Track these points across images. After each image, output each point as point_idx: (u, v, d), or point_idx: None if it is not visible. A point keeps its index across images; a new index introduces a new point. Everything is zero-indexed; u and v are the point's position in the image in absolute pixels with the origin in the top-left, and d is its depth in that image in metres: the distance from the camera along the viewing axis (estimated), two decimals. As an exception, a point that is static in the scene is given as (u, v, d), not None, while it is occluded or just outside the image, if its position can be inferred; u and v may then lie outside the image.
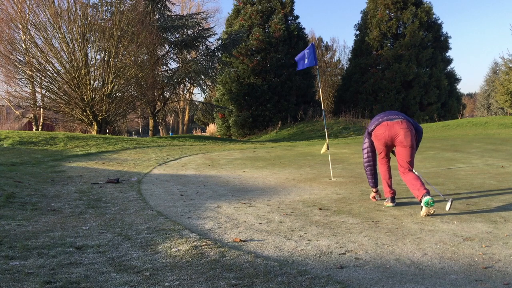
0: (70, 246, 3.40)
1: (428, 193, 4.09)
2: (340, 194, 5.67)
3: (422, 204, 4.10)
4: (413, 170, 4.48)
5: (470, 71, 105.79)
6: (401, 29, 29.75)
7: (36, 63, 18.29)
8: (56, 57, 18.06)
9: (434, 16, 29.69)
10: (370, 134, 4.77)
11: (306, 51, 7.35)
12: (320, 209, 4.72)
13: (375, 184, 5.03)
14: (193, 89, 31.96)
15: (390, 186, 4.83)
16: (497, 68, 45.59)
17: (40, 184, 6.74)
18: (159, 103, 25.53)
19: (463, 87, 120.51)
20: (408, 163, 4.45)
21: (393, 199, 4.81)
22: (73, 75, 17.86)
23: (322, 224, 4.04)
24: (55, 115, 24.55)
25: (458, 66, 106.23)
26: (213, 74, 25.80)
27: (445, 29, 39.67)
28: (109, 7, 20.04)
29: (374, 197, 5.14)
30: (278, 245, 3.41)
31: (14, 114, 31.10)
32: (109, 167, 8.98)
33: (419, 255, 3.07)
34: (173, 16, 25.49)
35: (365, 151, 4.93)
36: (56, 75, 18.48)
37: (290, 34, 28.98)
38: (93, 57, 19.02)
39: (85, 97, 18.12)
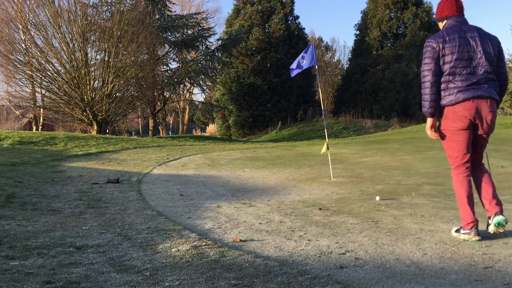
0: (70, 246, 3.39)
1: (501, 211, 3.31)
2: (340, 194, 5.67)
3: (492, 222, 3.29)
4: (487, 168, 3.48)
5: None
6: (401, 29, 29.75)
7: (36, 63, 18.30)
8: (56, 57, 18.07)
9: (434, 16, 29.70)
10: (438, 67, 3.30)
11: (301, 55, 7.35)
12: (320, 209, 4.72)
13: (432, 105, 3.33)
14: (193, 89, 32.04)
15: (473, 213, 3.36)
16: (497, 68, 45.57)
17: (40, 184, 6.74)
18: (159, 103, 25.55)
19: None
20: (481, 156, 3.50)
21: (477, 229, 3.33)
22: (73, 75, 17.86)
23: (322, 224, 4.04)
24: (55, 115, 24.57)
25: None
26: (213, 74, 25.82)
27: (445, 29, 39.68)
28: (109, 7, 20.05)
29: (434, 130, 3.42)
30: (278, 245, 3.41)
31: (14, 114, 31.10)
32: (109, 167, 8.98)
33: (419, 255, 3.06)
34: (173, 16, 25.50)
35: (428, 59, 3.32)
36: (56, 75, 18.49)
37: (290, 34, 28.98)
38: (93, 57, 19.06)
39: (85, 97, 18.12)
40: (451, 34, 3.28)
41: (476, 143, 3.41)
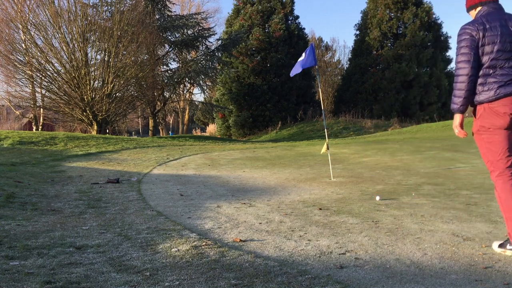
0: (70, 246, 3.40)
1: None
2: (340, 194, 5.67)
3: None
4: None
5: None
6: (401, 29, 29.73)
7: (36, 63, 18.31)
8: (56, 57, 18.08)
9: (434, 16, 29.70)
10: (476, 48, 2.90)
11: (303, 55, 7.38)
12: (320, 209, 4.72)
13: (465, 102, 2.98)
14: (193, 89, 32.00)
15: None
16: (497, 68, 45.50)
17: (40, 184, 6.74)
18: (159, 103, 25.54)
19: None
20: None
21: None
22: (73, 75, 17.87)
23: (322, 224, 4.04)
24: (55, 115, 24.58)
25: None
26: (213, 74, 25.81)
27: (445, 29, 39.76)
28: (109, 7, 20.05)
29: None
30: (278, 245, 3.41)
31: (14, 114, 31.11)
32: (109, 167, 8.98)
33: (419, 255, 3.06)
34: (173, 16, 25.50)
35: (466, 49, 2.91)
36: (56, 75, 18.49)
37: (290, 34, 28.97)
38: (93, 57, 19.06)
39: (85, 97, 18.12)
40: (492, 21, 2.88)
41: None
